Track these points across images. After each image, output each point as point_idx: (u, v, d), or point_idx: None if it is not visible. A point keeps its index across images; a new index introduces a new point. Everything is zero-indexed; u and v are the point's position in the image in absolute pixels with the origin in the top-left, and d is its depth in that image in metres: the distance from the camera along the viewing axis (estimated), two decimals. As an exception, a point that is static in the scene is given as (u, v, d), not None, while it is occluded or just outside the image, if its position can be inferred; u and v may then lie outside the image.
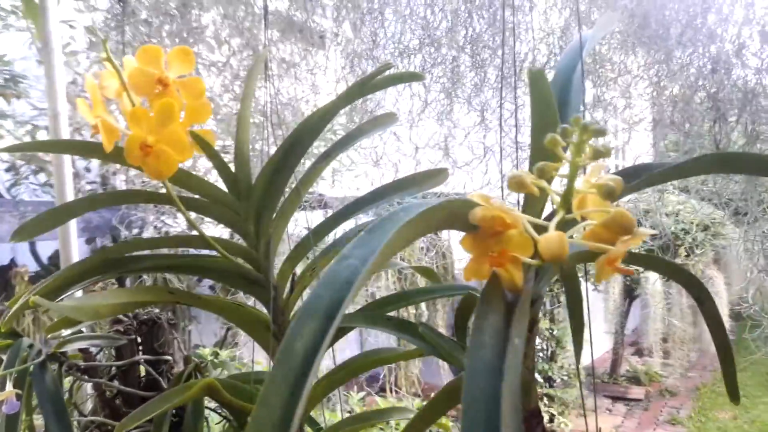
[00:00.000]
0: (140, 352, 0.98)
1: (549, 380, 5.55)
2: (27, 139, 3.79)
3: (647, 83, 0.99)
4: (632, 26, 0.97)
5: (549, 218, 0.43)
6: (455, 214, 0.41)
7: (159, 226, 4.40)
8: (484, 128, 1.09)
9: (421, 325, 0.62)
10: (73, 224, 1.35)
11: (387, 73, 0.79)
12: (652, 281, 6.47)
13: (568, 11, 1.09)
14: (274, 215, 0.81)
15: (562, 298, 5.78)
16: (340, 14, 1.10)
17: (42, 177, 3.92)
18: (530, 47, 1.09)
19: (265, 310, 0.82)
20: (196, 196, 0.81)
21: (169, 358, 0.99)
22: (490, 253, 0.41)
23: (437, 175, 0.89)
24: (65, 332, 0.86)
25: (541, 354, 5.49)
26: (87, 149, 0.75)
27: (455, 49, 1.09)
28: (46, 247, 3.70)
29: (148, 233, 4.13)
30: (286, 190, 0.82)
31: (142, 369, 1.01)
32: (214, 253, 0.79)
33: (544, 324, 5.41)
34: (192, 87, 0.74)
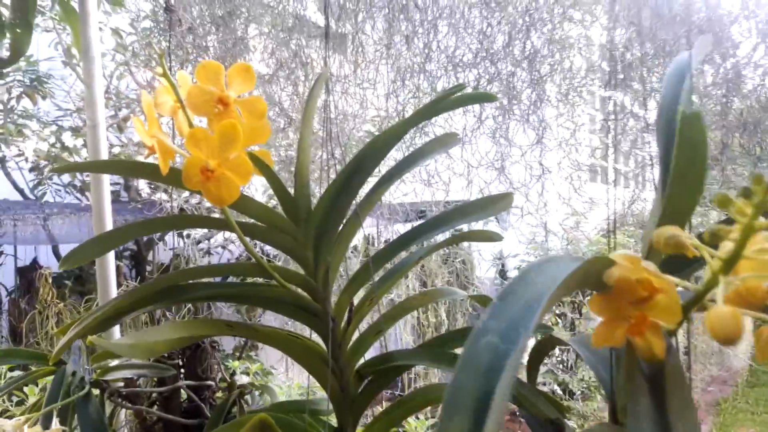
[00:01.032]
0: (182, 377, 0.94)
1: (569, 393, 5.46)
2: (52, 140, 3.79)
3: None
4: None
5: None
6: (590, 272, 0.36)
7: (181, 230, 4.38)
8: (542, 147, 1.04)
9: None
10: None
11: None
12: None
13: (631, 27, 1.03)
14: (334, 242, 0.76)
15: (584, 309, 5.69)
16: (392, 26, 1.06)
17: (66, 177, 3.92)
18: (590, 63, 1.04)
19: (321, 342, 0.77)
20: (251, 220, 0.76)
21: (212, 383, 0.95)
22: (627, 318, 0.36)
23: (502, 200, 0.84)
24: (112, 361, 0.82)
25: (561, 365, 5.42)
26: (140, 170, 0.71)
27: (512, 64, 1.04)
28: (68, 249, 3.69)
29: (170, 237, 4.11)
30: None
31: (184, 393, 0.97)
32: (265, 278, 0.75)
33: (564, 333, 5.32)
34: (253, 107, 0.69)
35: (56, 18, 3.71)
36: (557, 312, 5.72)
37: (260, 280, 0.76)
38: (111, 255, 1.28)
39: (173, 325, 0.63)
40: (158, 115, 0.71)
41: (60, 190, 3.89)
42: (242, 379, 1.26)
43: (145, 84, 3.99)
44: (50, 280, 2.97)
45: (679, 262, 0.40)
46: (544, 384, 5.14)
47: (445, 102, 0.69)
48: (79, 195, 3.95)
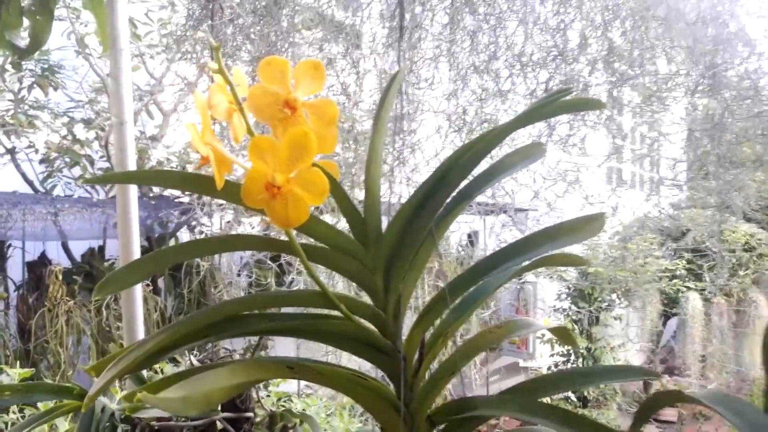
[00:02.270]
0: (219, 409, 0.84)
1: (584, 400, 5.35)
2: (63, 131, 3.69)
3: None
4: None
5: None
6: None
7: (193, 225, 4.29)
8: (618, 157, 0.93)
9: None
10: (136, 238, 1.17)
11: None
12: (692, 301, 6.25)
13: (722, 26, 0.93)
14: (407, 268, 0.66)
15: (601, 316, 5.58)
16: (454, 20, 0.95)
17: (77, 171, 3.83)
18: (677, 66, 0.93)
19: (388, 382, 0.67)
20: (311, 241, 0.66)
21: (251, 414, 0.85)
22: None
23: (595, 221, 0.73)
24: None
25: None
26: (189, 183, 0.61)
27: (588, 64, 0.93)
28: (78, 246, 3.60)
29: (185, 235, 4.02)
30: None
31: (219, 424, 0.87)
32: (328, 308, 0.65)
33: (581, 342, 5.21)
34: (322, 111, 0.59)
35: (70, 6, 3.62)
36: (574, 318, 5.61)
37: (318, 309, 0.65)
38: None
39: (231, 369, 0.53)
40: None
41: (70, 183, 3.80)
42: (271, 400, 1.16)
43: (159, 77, 3.89)
44: (60, 277, 2.88)
45: None
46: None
47: (549, 107, 0.59)
48: (89, 188, 3.86)
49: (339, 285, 1.12)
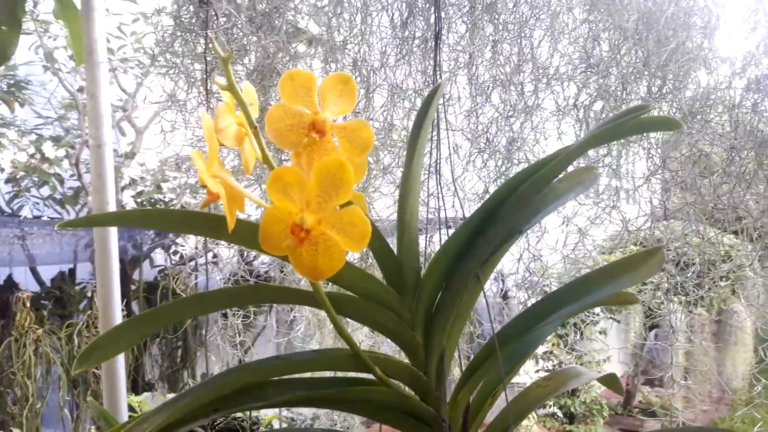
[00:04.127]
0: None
1: (570, 416, 5.28)
2: (31, 150, 3.51)
3: None
4: None
5: None
6: None
7: (168, 245, 4.13)
8: (660, 180, 0.84)
9: None
10: (114, 253, 1.03)
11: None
12: (674, 312, 6.25)
13: (763, 30, 0.85)
14: (451, 319, 0.55)
15: (586, 330, 5.53)
16: (475, 28, 0.86)
17: (45, 190, 3.64)
18: (719, 79, 0.85)
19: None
20: (334, 287, 0.56)
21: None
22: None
23: (655, 254, 0.64)
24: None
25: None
26: (191, 224, 0.49)
27: (621, 78, 0.85)
28: (47, 270, 3.41)
29: (159, 256, 3.85)
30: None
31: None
32: (353, 370, 0.54)
33: (564, 356, 5.13)
34: (355, 135, 0.49)
35: (38, 19, 3.46)
36: (558, 333, 5.55)
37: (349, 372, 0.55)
38: (115, 269, 1.03)
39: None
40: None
41: (38, 203, 3.62)
42: None
43: (132, 93, 3.75)
44: (28, 304, 2.70)
45: None
46: (545, 406, 4.96)
47: (626, 125, 0.49)
48: (59, 209, 3.68)
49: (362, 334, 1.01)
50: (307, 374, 0.58)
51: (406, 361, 0.55)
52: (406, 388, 0.56)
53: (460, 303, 0.56)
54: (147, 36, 3.20)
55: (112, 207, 0.97)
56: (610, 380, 0.73)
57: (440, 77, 0.81)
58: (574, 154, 0.51)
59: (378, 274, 0.57)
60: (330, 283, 0.58)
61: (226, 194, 0.46)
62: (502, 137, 0.89)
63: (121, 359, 0.92)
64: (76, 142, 3.56)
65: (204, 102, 0.88)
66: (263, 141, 0.49)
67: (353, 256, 0.97)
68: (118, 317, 0.92)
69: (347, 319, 0.63)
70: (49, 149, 3.51)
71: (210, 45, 0.79)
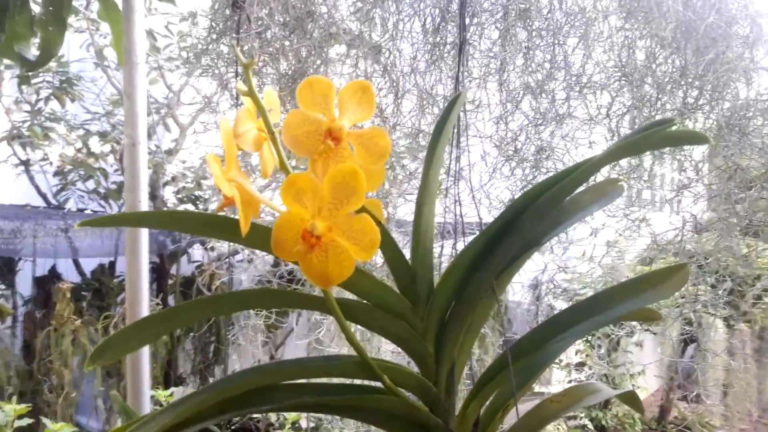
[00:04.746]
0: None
1: (601, 429, 5.17)
2: (78, 144, 3.63)
3: None
4: None
5: None
6: None
7: (205, 240, 4.21)
8: (693, 193, 0.82)
9: None
10: (145, 256, 1.05)
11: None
12: (714, 327, 6.05)
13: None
14: (463, 331, 0.55)
15: (622, 342, 5.40)
16: (507, 35, 0.85)
17: (90, 184, 3.76)
18: (760, 90, 0.82)
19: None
20: (348, 296, 0.56)
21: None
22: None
23: (679, 271, 0.62)
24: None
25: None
26: (212, 226, 0.50)
27: (656, 88, 0.82)
28: (89, 262, 3.52)
29: (197, 251, 3.93)
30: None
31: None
32: (362, 378, 0.54)
33: (598, 368, 5.02)
34: (372, 143, 0.49)
35: (90, 17, 3.57)
36: (592, 343, 5.43)
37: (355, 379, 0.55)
38: (145, 268, 1.06)
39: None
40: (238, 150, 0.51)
41: (83, 197, 3.73)
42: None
43: (177, 91, 3.83)
44: (68, 295, 2.79)
45: None
46: (575, 418, 4.86)
47: (653, 138, 0.48)
48: (103, 202, 3.79)
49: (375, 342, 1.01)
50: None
51: (417, 371, 0.55)
52: (416, 399, 0.56)
53: (473, 314, 0.55)
54: (190, 36, 3.27)
55: (144, 206, 1.00)
56: (629, 397, 0.71)
57: (463, 85, 0.80)
58: (596, 166, 0.50)
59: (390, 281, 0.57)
60: (341, 290, 0.58)
61: (242, 200, 0.47)
62: (531, 145, 0.87)
63: (145, 353, 0.95)
64: (122, 138, 3.66)
65: (234, 105, 0.90)
66: (281, 147, 0.50)
67: (373, 263, 0.97)
68: (145, 313, 0.94)
69: (360, 326, 0.63)
70: (95, 144, 3.62)
71: (236, 50, 0.80)
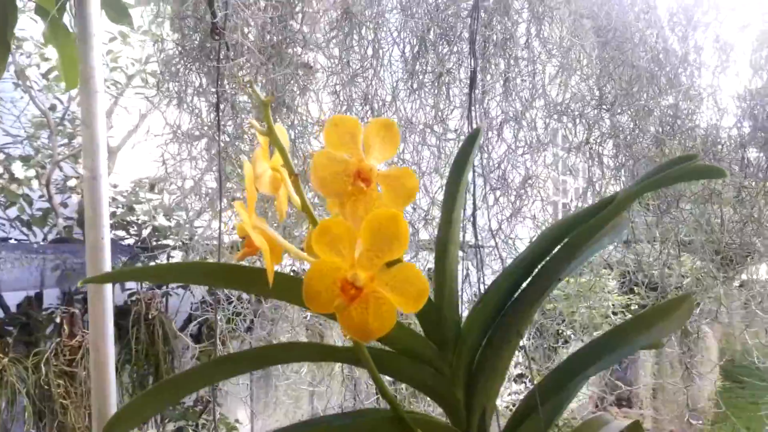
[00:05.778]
0: None
1: None
2: (-1, 170, 3.39)
3: None
4: None
5: None
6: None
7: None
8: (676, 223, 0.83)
9: None
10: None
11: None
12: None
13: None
14: (493, 376, 0.53)
15: (559, 351, 5.55)
16: (488, 64, 0.84)
17: (12, 211, 3.51)
18: (728, 118, 0.85)
19: None
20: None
21: None
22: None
23: (684, 302, 0.63)
24: None
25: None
26: (236, 278, 0.46)
27: (632, 118, 0.84)
28: (14, 296, 3.27)
29: (132, 283, 3.73)
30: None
31: None
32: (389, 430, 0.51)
33: (538, 378, 5.12)
34: (400, 183, 0.46)
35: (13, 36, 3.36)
36: (531, 355, 5.56)
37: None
38: (109, 294, 0.97)
39: None
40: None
41: (5, 224, 3.48)
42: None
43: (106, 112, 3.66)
44: (-7, 333, 2.57)
45: None
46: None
47: (676, 173, 0.48)
48: (26, 230, 3.55)
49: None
50: None
51: (446, 420, 0.52)
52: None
53: (501, 359, 0.54)
54: (120, 57, 3.12)
55: (107, 244, 0.93)
56: (634, 429, 0.71)
57: (476, 118, 0.79)
58: (628, 200, 0.50)
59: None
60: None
61: (268, 247, 0.43)
62: (516, 174, 0.87)
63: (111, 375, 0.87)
64: (47, 162, 3.46)
65: (216, 135, 0.84)
66: (302, 188, 0.46)
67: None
68: (112, 371, 0.87)
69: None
70: (18, 169, 3.40)
71: (241, 83, 0.76)
